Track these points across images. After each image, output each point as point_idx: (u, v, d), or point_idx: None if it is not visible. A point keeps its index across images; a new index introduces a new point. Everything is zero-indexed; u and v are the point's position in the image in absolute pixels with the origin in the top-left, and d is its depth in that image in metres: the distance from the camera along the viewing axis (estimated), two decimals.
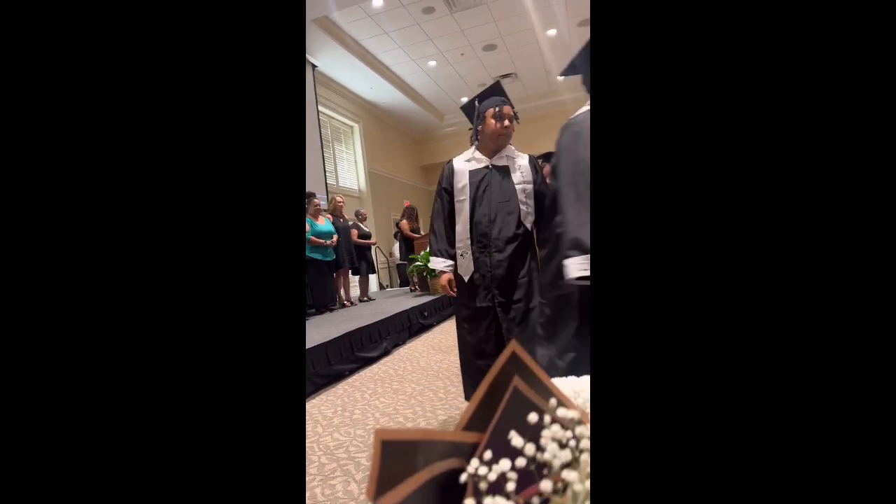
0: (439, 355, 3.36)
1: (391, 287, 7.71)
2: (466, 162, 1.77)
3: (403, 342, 3.89)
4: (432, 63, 6.73)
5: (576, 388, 0.68)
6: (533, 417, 0.32)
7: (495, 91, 1.72)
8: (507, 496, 0.30)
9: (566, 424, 0.32)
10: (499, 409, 0.33)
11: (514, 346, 0.34)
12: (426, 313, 4.44)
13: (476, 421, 0.34)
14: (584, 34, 6.15)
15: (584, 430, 0.34)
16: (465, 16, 5.47)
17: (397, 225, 6.47)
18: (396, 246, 6.89)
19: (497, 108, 1.66)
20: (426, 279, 5.32)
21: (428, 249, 5.18)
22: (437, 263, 1.80)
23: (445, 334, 4.11)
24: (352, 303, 5.12)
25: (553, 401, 0.33)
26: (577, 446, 0.32)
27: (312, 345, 2.78)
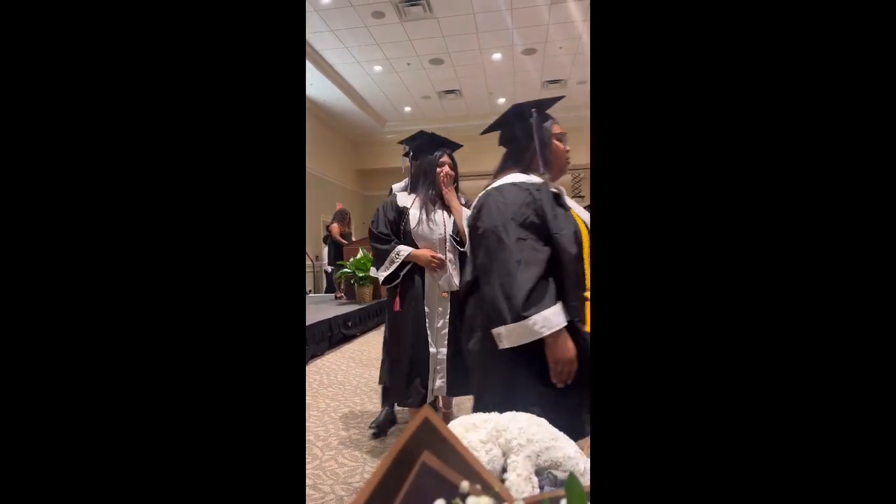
0: (359, 369, 3.23)
1: (315, 293, 7.38)
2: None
3: (322, 353, 3.70)
4: (378, 68, 6.63)
5: (499, 427, 0.65)
6: None
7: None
8: None
9: None
10: (404, 487, 0.28)
11: (426, 412, 0.29)
12: (350, 323, 4.27)
13: (378, 498, 0.28)
14: (528, 61, 6.42)
15: None
16: (415, 26, 5.47)
17: (327, 228, 6.21)
18: (325, 250, 6.61)
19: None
20: (353, 287, 5.14)
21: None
22: None
23: (369, 346, 3.97)
24: None
25: (465, 484, 0.28)
26: None
27: None
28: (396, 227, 1.84)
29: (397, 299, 1.83)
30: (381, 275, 1.84)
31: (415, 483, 0.28)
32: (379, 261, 1.84)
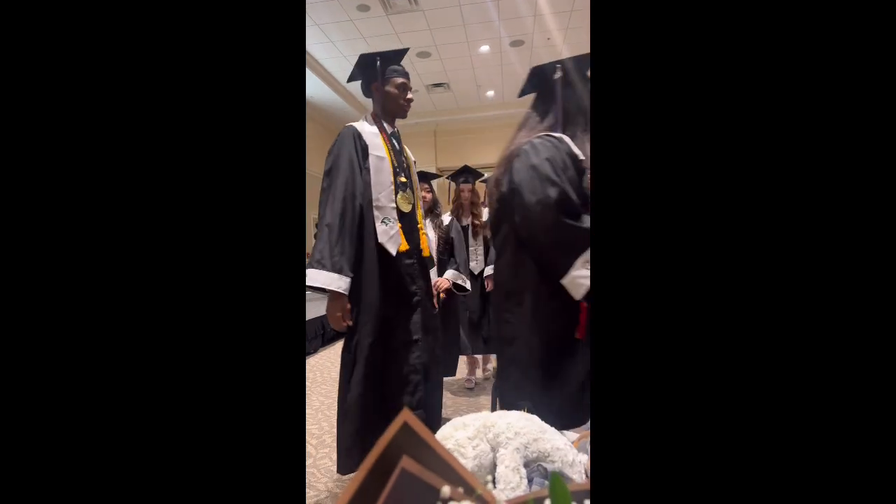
0: None
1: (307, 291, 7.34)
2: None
3: (315, 351, 3.69)
4: None
5: (487, 423, 0.65)
6: None
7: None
8: None
9: None
10: (383, 494, 0.27)
11: (405, 416, 0.28)
12: None
13: None
14: (515, 54, 6.38)
15: None
16: (401, 19, 5.41)
17: (317, 225, 6.16)
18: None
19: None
20: None
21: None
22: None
23: None
24: None
25: (446, 489, 0.27)
26: None
27: None
28: (578, 192, 1.05)
29: (583, 318, 1.01)
30: (585, 275, 0.96)
31: (394, 489, 0.27)
32: (572, 250, 0.98)
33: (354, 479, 0.28)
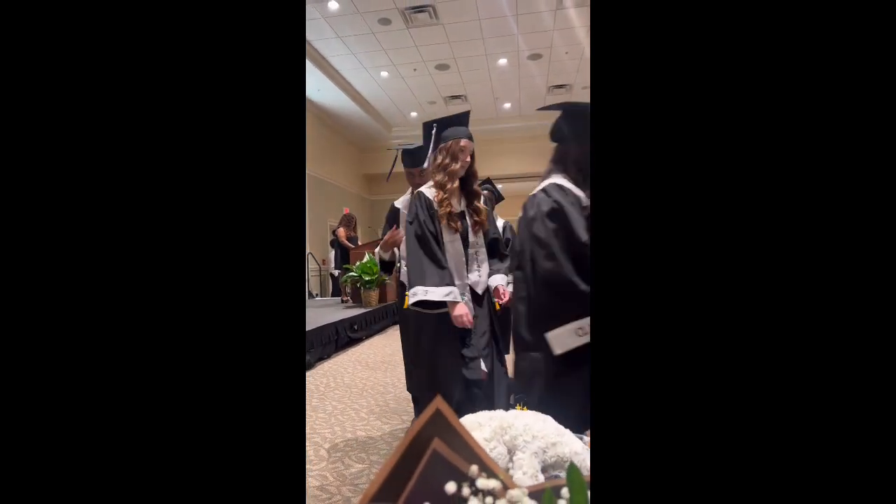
0: (366, 372, 3.25)
1: (322, 296, 7.42)
2: None
3: (328, 356, 3.73)
4: (384, 74, 6.69)
5: (503, 424, 0.66)
6: (451, 488, 0.29)
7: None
8: None
9: (488, 495, 0.29)
10: (416, 472, 0.30)
11: (437, 403, 0.31)
12: (356, 326, 4.30)
13: (389, 487, 0.30)
14: (533, 66, 6.45)
15: (517, 494, 0.31)
16: (421, 32, 5.52)
17: (334, 232, 6.25)
18: (332, 254, 6.66)
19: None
20: (359, 290, 5.17)
21: (378, 258, 4.98)
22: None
23: (375, 349, 3.99)
24: None
25: (474, 468, 0.30)
26: None
27: None
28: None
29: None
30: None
31: (426, 469, 0.30)
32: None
33: (390, 458, 0.31)
